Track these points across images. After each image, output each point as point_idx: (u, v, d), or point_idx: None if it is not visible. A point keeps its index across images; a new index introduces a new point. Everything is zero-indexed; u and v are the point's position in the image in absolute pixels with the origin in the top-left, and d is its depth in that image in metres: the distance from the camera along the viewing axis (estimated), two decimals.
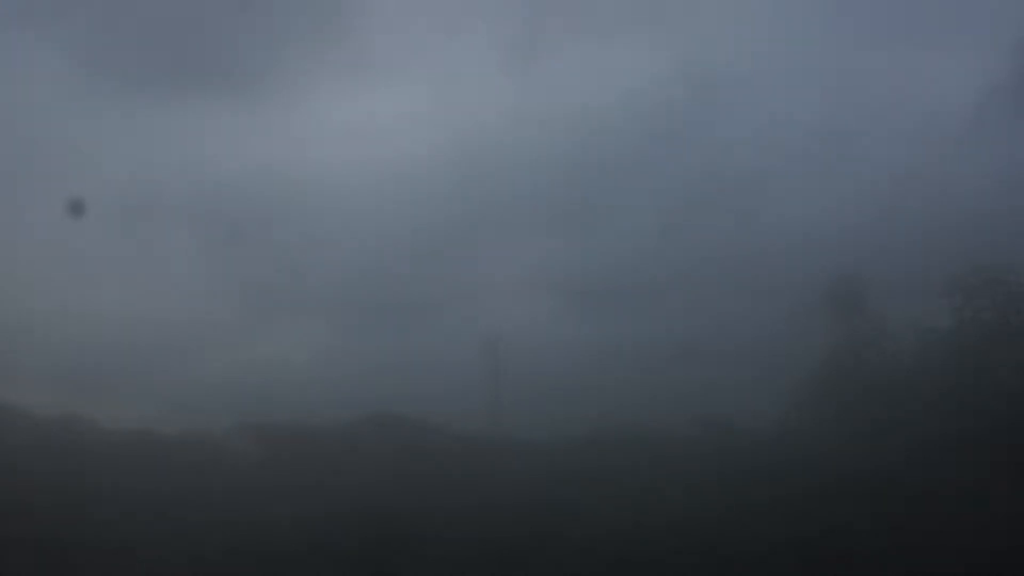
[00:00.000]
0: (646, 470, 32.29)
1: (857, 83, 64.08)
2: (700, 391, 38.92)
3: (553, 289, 55.34)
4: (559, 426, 38.93)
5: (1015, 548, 23.57)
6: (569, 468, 33.94)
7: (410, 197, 63.84)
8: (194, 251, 62.72)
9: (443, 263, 59.09)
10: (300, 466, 37.67)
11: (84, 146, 68.30)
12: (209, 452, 40.62)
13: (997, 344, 33.76)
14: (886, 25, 72.50)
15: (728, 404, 37.88)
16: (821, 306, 39.11)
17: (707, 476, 30.73)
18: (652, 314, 47.78)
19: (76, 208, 40.13)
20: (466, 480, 34.09)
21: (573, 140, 65.79)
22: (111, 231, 58.62)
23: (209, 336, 55.85)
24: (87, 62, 78.53)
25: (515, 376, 43.09)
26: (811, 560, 25.31)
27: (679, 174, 60.85)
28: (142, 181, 65.43)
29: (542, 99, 75.06)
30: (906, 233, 43.02)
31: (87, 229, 49.82)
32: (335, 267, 59.20)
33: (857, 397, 35.48)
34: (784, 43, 72.17)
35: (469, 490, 32.96)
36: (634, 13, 76.25)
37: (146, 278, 57.26)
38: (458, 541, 28.93)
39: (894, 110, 60.23)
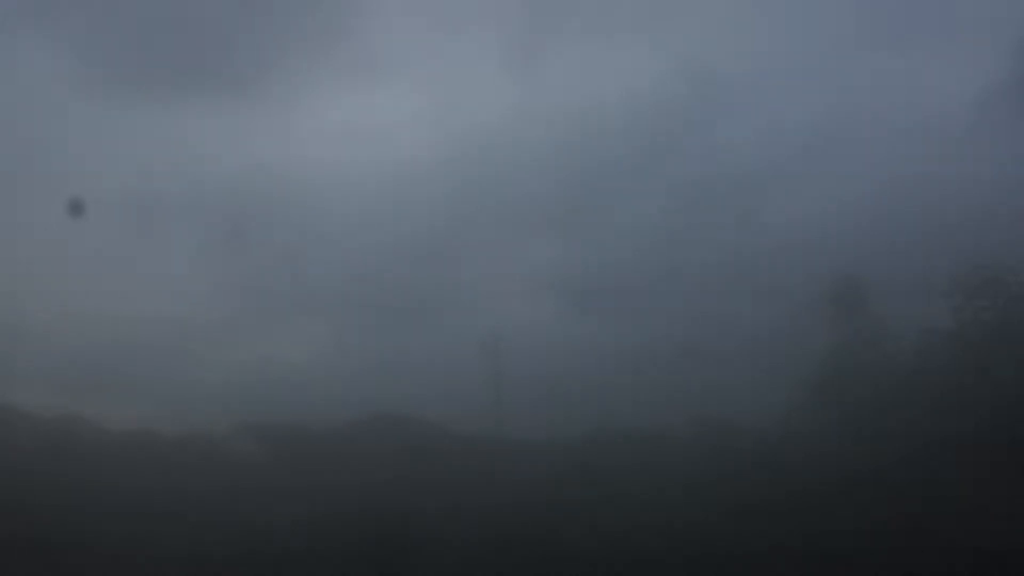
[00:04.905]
0: (646, 470, 32.30)
1: (857, 83, 64.23)
2: (700, 391, 38.94)
3: (553, 289, 55.52)
4: (559, 426, 38.98)
5: (1016, 549, 23.56)
6: (569, 468, 33.95)
7: (410, 197, 64.10)
8: (194, 251, 62.93)
9: (444, 263, 59.30)
10: (300, 466, 37.68)
11: (84, 146, 68.44)
12: (209, 452, 40.62)
13: (997, 344, 33.74)
14: (886, 25, 72.63)
15: (728, 404, 37.91)
16: (821, 306, 39.13)
17: (707, 476, 30.73)
18: (652, 314, 47.90)
19: (76, 208, 40.18)
20: (467, 480, 34.12)
21: (574, 140, 66.00)
22: (111, 231, 58.72)
23: (209, 336, 56.04)
24: (87, 62, 78.78)
25: (515, 376, 43.13)
26: (811, 560, 25.29)
27: (679, 174, 61.01)
28: (142, 181, 65.58)
29: (542, 99, 75.25)
30: (906, 233, 43.11)
31: (87, 229, 49.82)
32: (335, 267, 59.42)
33: (857, 397, 35.45)
34: (784, 43, 72.42)
35: (470, 490, 32.98)
36: (634, 13, 76.45)
37: (146, 278, 57.34)
38: (459, 541, 28.91)
39: (894, 110, 60.39)
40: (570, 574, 27.09)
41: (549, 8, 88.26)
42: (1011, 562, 23.28)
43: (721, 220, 54.68)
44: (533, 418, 40.69)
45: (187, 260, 61.66)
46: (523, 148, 65.35)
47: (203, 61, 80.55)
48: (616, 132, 65.68)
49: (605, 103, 70.64)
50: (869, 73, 64.40)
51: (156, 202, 64.99)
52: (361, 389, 43.60)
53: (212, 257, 63.53)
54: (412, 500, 31.96)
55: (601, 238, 58.57)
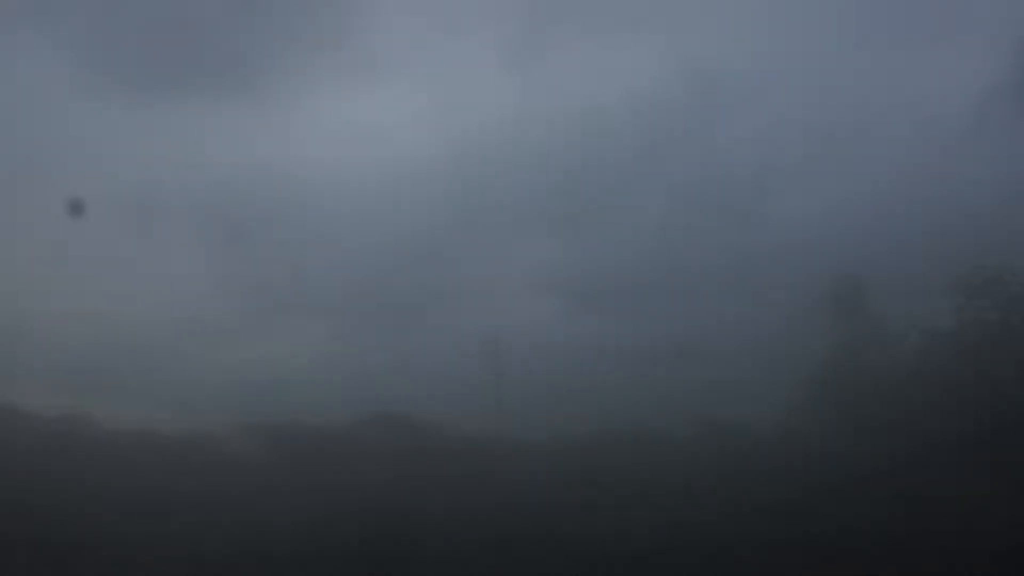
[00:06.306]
0: (646, 470, 32.29)
1: (857, 83, 64.11)
2: (700, 391, 38.91)
3: (553, 289, 55.43)
4: (559, 426, 38.95)
5: (1016, 550, 23.55)
6: (569, 468, 33.94)
7: (410, 197, 63.88)
8: (195, 251, 62.87)
9: (443, 263, 59.21)
10: (301, 466, 37.66)
11: (84, 146, 68.26)
12: (209, 452, 40.61)
13: (998, 344, 33.73)
14: (886, 25, 72.43)
15: (728, 404, 37.89)
16: (821, 306, 39.12)
17: (707, 476, 30.72)
18: (652, 314, 47.83)
19: (76, 208, 40.04)
20: (467, 480, 34.10)
21: (573, 140, 65.80)
22: (111, 231, 58.57)
23: (210, 336, 55.95)
24: (87, 62, 78.52)
25: (515, 376, 43.07)
26: (811, 561, 25.28)
27: (679, 174, 60.92)
28: (143, 181, 65.43)
29: (542, 99, 75.05)
30: (907, 233, 43.09)
31: (87, 229, 49.69)
32: (336, 267, 59.30)
33: (858, 397, 35.44)
34: (785, 43, 72.22)
35: (470, 490, 32.97)
36: (634, 13, 76.09)
37: (146, 278, 57.20)
38: (459, 541, 28.90)
39: (894, 110, 60.28)
40: (570, 574, 27.07)
41: (549, 8, 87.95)
42: (1011, 562, 23.28)
43: (721, 220, 54.61)
44: (533, 418, 40.65)
45: (187, 260, 61.52)
46: (523, 148, 65.16)
47: (203, 61, 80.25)
48: (616, 132, 65.42)
49: (605, 103, 70.37)
50: (869, 73, 64.21)
51: (156, 202, 64.76)
52: (361, 389, 43.54)
53: (212, 257, 63.47)
54: (412, 500, 31.94)
55: (601, 238, 58.49)
